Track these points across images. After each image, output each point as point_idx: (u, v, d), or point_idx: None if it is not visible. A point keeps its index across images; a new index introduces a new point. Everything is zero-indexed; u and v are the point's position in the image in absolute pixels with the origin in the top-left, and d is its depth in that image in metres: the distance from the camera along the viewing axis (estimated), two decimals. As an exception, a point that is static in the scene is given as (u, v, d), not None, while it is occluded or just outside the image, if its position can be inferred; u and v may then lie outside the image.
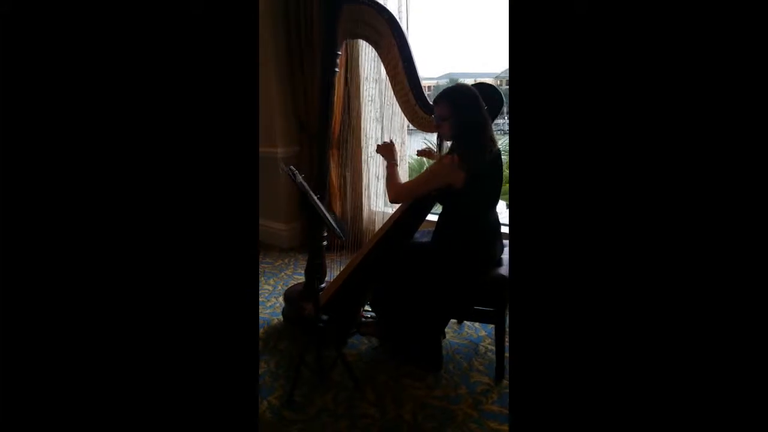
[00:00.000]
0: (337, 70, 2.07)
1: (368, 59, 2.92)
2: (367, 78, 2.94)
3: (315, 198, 1.54)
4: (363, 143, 3.04)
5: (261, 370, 1.94)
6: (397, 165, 1.94)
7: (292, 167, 1.78)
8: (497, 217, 1.89)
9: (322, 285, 2.21)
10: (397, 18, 2.73)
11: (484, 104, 1.72)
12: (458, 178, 1.71)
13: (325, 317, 1.80)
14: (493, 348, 1.99)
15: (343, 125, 3.02)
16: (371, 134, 3.03)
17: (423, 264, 1.84)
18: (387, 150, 1.97)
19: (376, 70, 2.92)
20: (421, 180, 1.83)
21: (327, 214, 1.57)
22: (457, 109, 1.72)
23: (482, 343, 2.11)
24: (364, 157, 3.06)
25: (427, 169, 1.84)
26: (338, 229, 1.59)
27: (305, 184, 1.52)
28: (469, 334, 2.18)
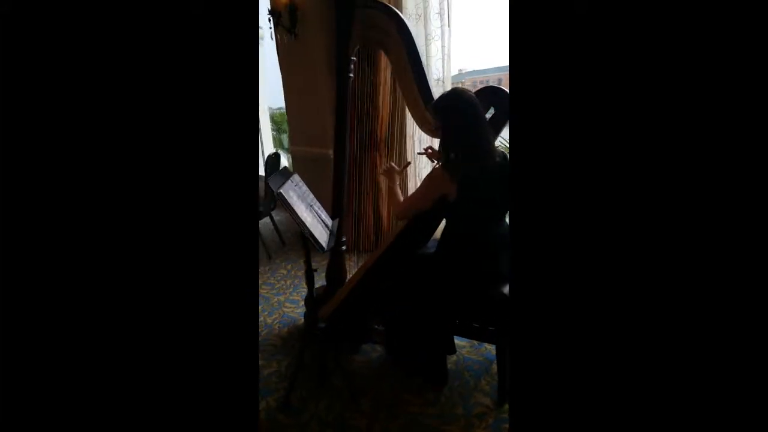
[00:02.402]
0: (351, 75, 2.05)
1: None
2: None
3: (296, 209, 1.55)
4: (408, 144, 2.99)
5: (271, 370, 2.01)
6: (396, 185, 1.91)
7: (296, 176, 1.81)
8: (506, 230, 1.75)
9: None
10: (437, 11, 2.67)
11: (480, 110, 1.60)
12: (451, 189, 1.62)
13: (323, 324, 1.82)
14: (508, 367, 1.88)
15: (390, 126, 3.00)
16: (417, 135, 2.97)
17: (425, 275, 1.78)
18: (388, 174, 1.96)
19: (427, 67, 2.84)
20: (417, 194, 1.76)
21: (307, 225, 1.57)
22: (446, 117, 1.62)
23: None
24: (409, 157, 3.01)
25: (422, 182, 1.77)
26: (319, 241, 1.59)
27: (286, 194, 1.54)
28: (487, 351, 2.06)
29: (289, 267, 3.14)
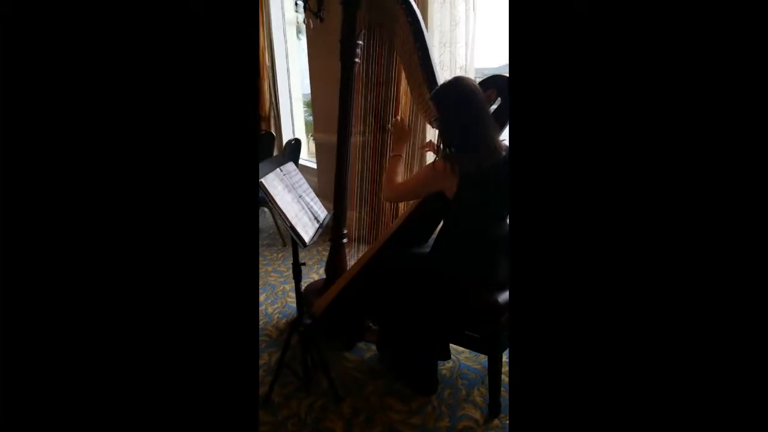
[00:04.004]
0: (357, 60, 1.95)
1: (442, 44, 2.72)
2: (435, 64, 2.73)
3: (277, 200, 1.48)
4: (428, 136, 2.86)
5: (261, 362, 1.97)
6: (401, 157, 1.76)
7: (289, 164, 1.74)
8: (505, 232, 1.62)
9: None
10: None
11: (480, 102, 1.47)
12: (450, 185, 1.50)
13: (308, 320, 1.75)
14: (506, 379, 1.76)
15: (415, 114, 2.88)
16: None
17: (416, 277, 1.67)
18: (399, 132, 1.78)
19: (449, 57, 2.70)
20: (413, 182, 1.64)
21: (289, 218, 1.49)
22: (446, 109, 1.49)
23: (497, 371, 1.85)
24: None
25: (420, 170, 1.65)
26: (301, 235, 1.51)
27: (268, 184, 1.47)
28: (486, 359, 1.93)
29: (302, 255, 3.09)
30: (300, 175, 1.79)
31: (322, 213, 1.77)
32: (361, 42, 1.93)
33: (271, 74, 4.99)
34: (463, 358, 1.95)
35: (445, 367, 1.89)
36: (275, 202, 1.48)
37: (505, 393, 1.72)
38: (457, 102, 1.47)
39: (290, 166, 1.77)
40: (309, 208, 1.69)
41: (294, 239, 1.53)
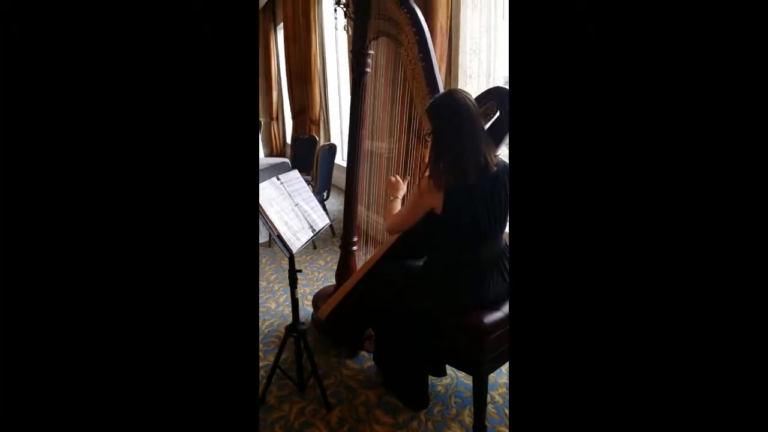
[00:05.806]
0: (368, 70, 1.96)
1: (472, 51, 2.66)
2: (464, 72, 2.68)
3: (264, 208, 1.51)
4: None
5: (265, 363, 2.03)
6: (397, 199, 1.78)
7: (292, 172, 1.79)
8: (499, 250, 1.55)
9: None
10: None
11: (472, 116, 1.42)
12: (437, 201, 1.46)
13: (303, 326, 1.77)
14: (503, 400, 1.72)
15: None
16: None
17: (405, 291, 1.65)
18: (392, 186, 1.83)
19: (477, 64, 2.65)
20: (406, 209, 1.61)
21: (276, 226, 1.52)
22: (436, 122, 1.46)
23: (493, 392, 1.79)
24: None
25: (411, 192, 1.62)
26: (287, 244, 1.53)
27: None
28: (485, 378, 1.87)
29: (328, 259, 3.14)
30: (303, 183, 1.82)
31: (321, 222, 1.79)
32: (372, 51, 1.93)
33: (322, 79, 5.12)
34: (462, 375, 1.89)
35: (441, 383, 1.85)
36: (263, 210, 1.51)
37: (497, 416, 1.66)
38: (446, 115, 1.43)
39: (293, 174, 1.81)
40: (306, 216, 1.72)
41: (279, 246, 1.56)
